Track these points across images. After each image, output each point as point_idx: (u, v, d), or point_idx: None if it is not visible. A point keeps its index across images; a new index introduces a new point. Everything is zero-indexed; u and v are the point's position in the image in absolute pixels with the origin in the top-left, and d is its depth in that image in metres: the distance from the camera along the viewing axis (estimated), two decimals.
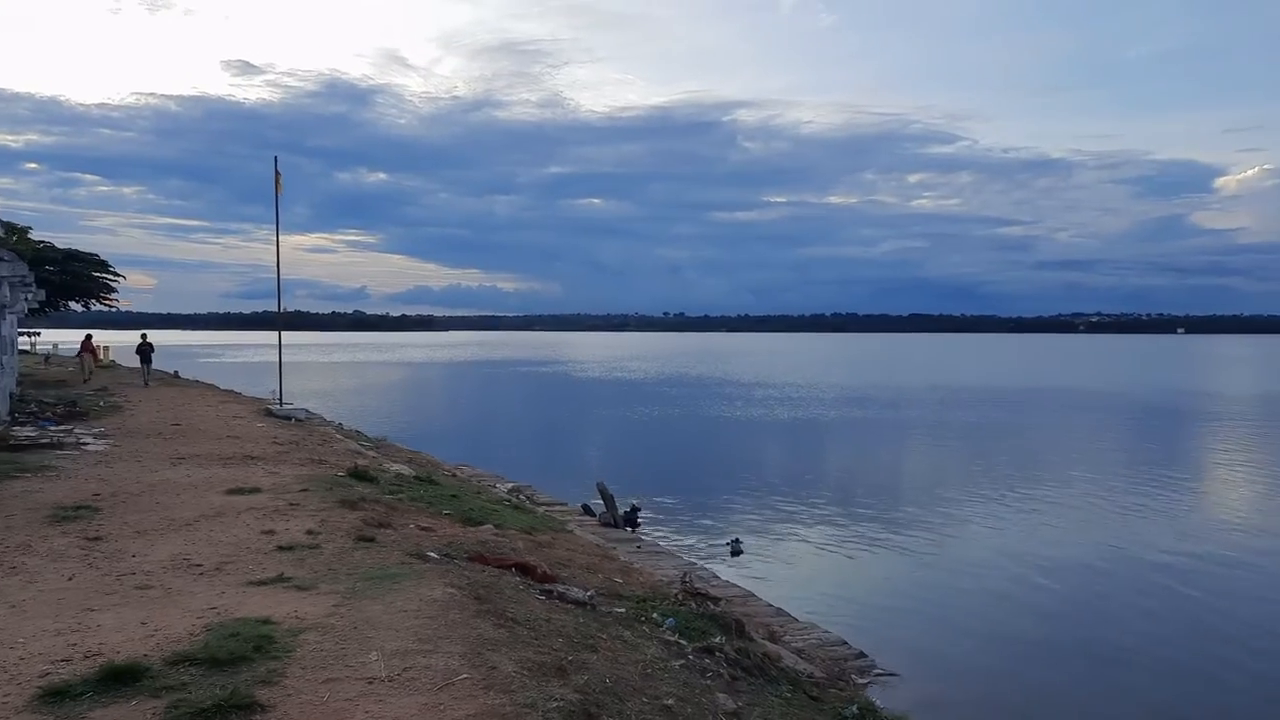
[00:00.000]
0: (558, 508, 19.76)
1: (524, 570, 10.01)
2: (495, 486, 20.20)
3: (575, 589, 9.81)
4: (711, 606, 11.64)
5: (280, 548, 9.37)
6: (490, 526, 12.49)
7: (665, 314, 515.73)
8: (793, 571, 16.60)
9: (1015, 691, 11.28)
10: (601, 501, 19.84)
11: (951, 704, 10.91)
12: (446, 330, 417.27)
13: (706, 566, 16.20)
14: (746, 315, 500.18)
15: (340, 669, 5.94)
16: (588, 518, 19.52)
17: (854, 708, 8.56)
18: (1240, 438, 38.21)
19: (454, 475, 20.21)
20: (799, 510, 21.98)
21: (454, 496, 14.37)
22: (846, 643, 12.35)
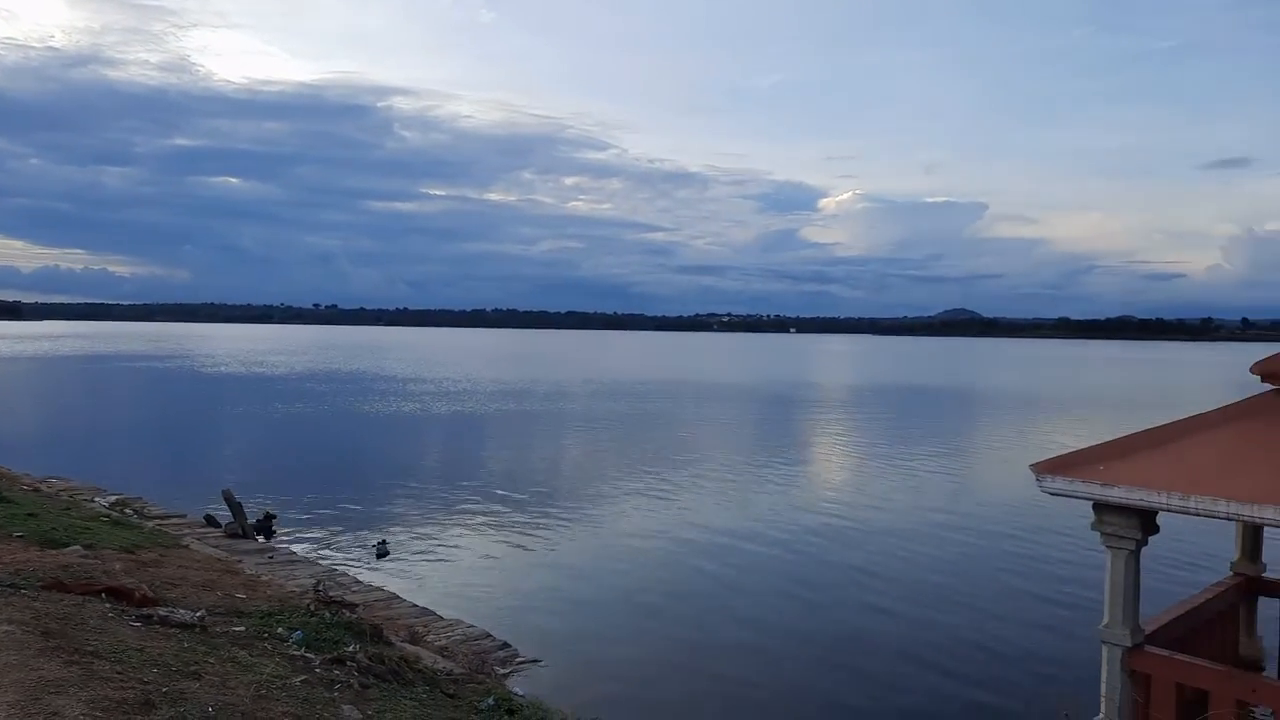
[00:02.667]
0: (174, 520, 17.52)
1: (117, 595, 8.68)
2: (93, 501, 17.40)
3: (183, 611, 8.70)
4: (347, 614, 11.01)
5: None
6: (78, 548, 10.69)
7: (316, 305, 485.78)
8: (441, 569, 16.32)
9: (652, 664, 12.04)
10: (228, 510, 17.96)
11: (591, 682, 11.38)
12: (40, 320, 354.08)
13: (348, 572, 15.36)
14: (405, 309, 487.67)
15: None
16: (212, 529, 17.55)
17: (490, 699, 8.54)
18: (839, 420, 44.92)
19: (36, 490, 17.06)
20: (451, 506, 21.72)
21: (31, 515, 12.09)
22: (491, 635, 12.38)
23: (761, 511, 21.54)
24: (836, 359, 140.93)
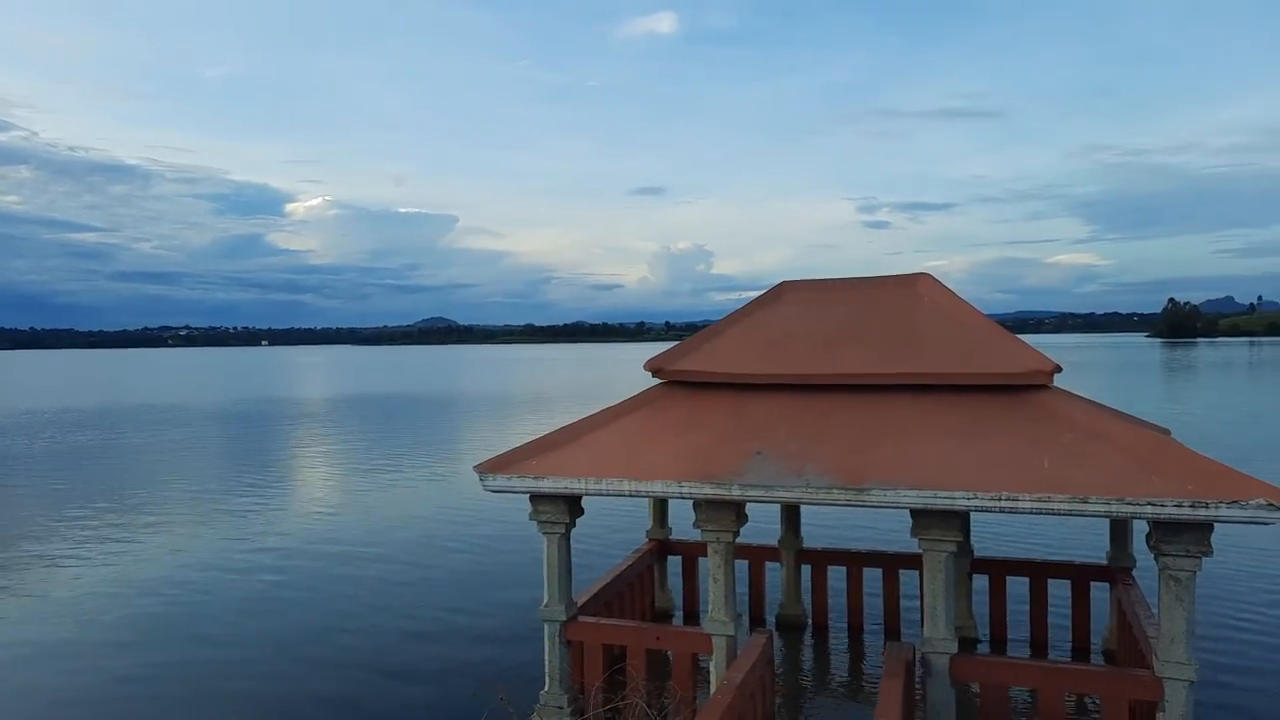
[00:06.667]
0: None
1: None
2: None
3: None
4: None
5: None
6: None
7: None
8: None
9: None
10: None
11: None
12: None
13: None
14: None
15: None
16: None
17: None
18: (311, 436, 42.84)
19: None
20: None
21: None
22: None
23: (216, 542, 19.46)
24: (313, 371, 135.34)
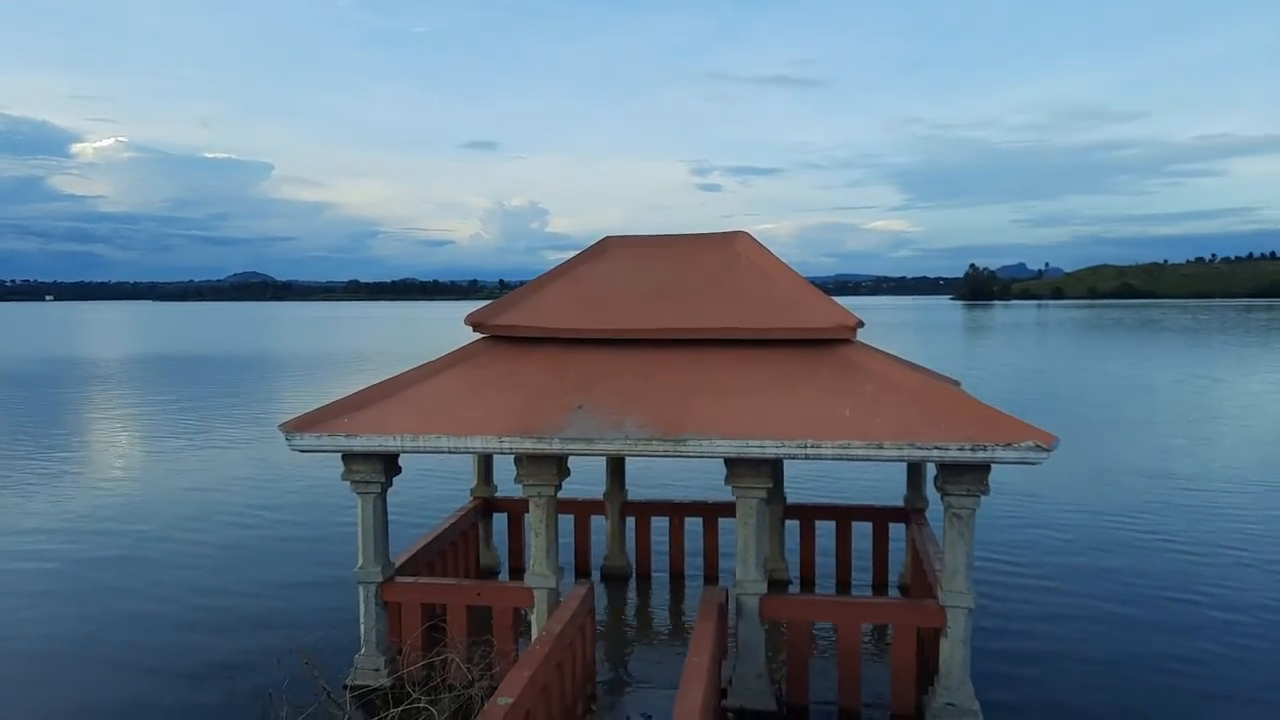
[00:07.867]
0: None
1: None
2: None
3: None
4: None
5: None
6: None
7: None
8: None
9: None
10: None
11: None
12: None
13: None
14: None
15: None
16: None
17: None
18: (111, 399, 39.14)
19: None
20: None
21: None
22: None
23: (25, 522, 17.50)
24: (107, 329, 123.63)
